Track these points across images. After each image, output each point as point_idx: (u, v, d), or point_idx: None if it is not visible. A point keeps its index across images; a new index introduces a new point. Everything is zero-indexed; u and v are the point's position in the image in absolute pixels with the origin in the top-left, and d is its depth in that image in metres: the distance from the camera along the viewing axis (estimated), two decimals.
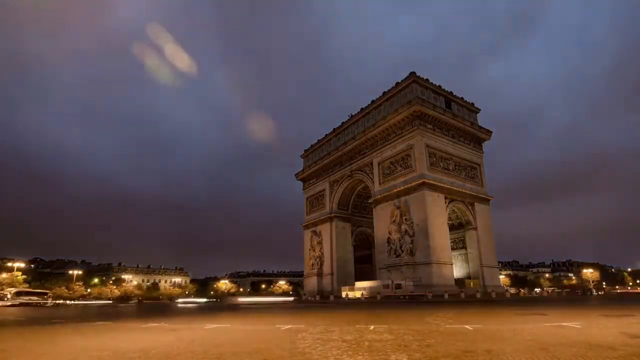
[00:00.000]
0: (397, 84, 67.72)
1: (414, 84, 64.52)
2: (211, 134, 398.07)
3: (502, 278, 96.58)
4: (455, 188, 62.71)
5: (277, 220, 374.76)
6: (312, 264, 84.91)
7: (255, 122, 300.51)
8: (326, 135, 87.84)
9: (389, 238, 62.73)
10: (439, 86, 67.84)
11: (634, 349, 7.49)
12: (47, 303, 55.95)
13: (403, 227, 60.27)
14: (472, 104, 73.35)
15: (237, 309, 37.24)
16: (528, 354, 7.06)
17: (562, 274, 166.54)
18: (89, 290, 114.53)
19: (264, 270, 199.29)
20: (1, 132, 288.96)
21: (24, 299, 53.82)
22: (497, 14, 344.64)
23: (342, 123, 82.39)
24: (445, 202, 61.06)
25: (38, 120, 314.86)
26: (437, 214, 58.88)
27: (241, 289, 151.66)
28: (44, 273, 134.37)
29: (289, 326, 13.87)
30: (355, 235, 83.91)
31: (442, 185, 60.93)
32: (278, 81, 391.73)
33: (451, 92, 69.54)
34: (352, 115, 79.50)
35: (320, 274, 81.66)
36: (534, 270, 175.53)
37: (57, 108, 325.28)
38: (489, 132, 71.70)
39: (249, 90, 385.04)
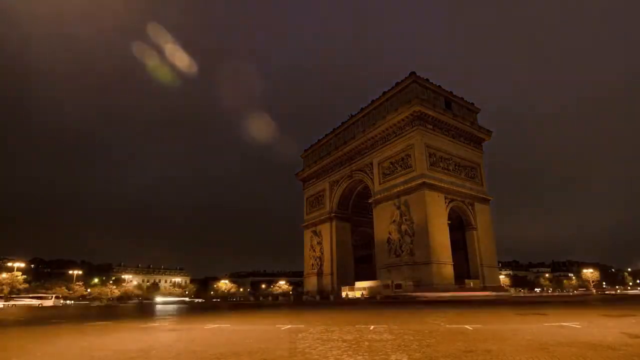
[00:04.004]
0: (397, 83, 67.68)
1: (414, 84, 64.50)
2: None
3: (502, 278, 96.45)
4: (455, 188, 62.68)
5: (278, 219, 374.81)
6: (312, 264, 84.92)
7: (257, 122, 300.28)
8: (326, 135, 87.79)
9: (389, 238, 62.72)
10: (439, 86, 67.81)
11: (634, 349, 7.50)
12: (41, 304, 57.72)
13: (403, 227, 60.26)
14: (472, 103, 73.33)
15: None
16: (528, 354, 7.06)
17: (562, 273, 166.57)
18: (88, 290, 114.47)
19: (264, 270, 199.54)
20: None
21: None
22: None
23: (342, 123, 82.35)
24: (445, 202, 61.04)
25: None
26: (437, 214, 58.86)
27: (241, 289, 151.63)
28: (44, 273, 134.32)
29: (289, 326, 13.87)
30: (355, 235, 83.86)
31: (442, 185, 60.91)
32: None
33: (451, 92, 69.52)
34: (352, 115, 79.47)
35: (320, 274, 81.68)
36: (534, 270, 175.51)
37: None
38: (489, 132, 71.69)
39: (254, 91, 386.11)
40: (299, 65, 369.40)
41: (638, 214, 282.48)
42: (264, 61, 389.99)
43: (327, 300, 61.78)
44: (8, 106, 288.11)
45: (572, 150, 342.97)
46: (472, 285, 59.59)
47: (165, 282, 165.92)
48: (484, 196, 67.52)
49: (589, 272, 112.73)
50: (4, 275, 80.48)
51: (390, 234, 62.49)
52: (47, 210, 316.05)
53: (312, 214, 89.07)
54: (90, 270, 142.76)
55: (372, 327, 12.78)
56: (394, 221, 61.88)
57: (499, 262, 77.05)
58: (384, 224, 64.25)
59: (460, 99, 71.11)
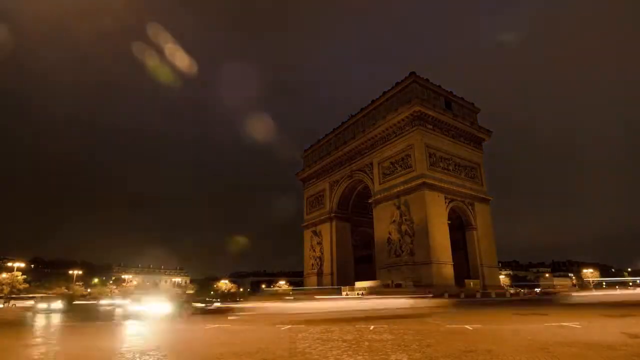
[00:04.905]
0: (397, 83, 67.56)
1: (414, 84, 64.39)
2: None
3: (502, 278, 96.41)
4: (455, 188, 62.62)
5: (278, 219, 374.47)
6: (312, 264, 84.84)
7: (259, 122, 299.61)
8: (326, 135, 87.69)
9: (389, 238, 62.66)
10: (439, 86, 67.70)
11: (634, 349, 7.50)
12: None
13: (403, 227, 60.20)
14: (472, 103, 73.22)
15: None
16: (528, 354, 7.07)
17: (562, 273, 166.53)
18: (89, 290, 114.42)
19: (264, 270, 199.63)
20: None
21: None
22: None
23: (343, 123, 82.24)
24: (445, 202, 60.97)
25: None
26: (437, 214, 58.80)
27: (241, 289, 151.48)
28: (44, 273, 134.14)
29: (289, 326, 13.87)
30: (355, 235, 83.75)
31: (442, 185, 60.85)
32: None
33: (451, 92, 69.39)
34: (352, 115, 79.38)
35: (320, 274, 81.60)
36: (534, 270, 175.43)
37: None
38: (489, 132, 71.60)
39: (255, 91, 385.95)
40: (298, 65, 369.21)
41: (638, 214, 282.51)
42: (264, 61, 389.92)
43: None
44: (8, 106, 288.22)
45: (572, 149, 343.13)
46: (472, 285, 59.55)
47: (165, 282, 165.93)
48: (484, 196, 67.45)
49: (589, 272, 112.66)
50: (4, 275, 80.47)
51: (390, 234, 62.42)
52: (47, 210, 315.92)
53: (312, 214, 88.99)
54: (90, 270, 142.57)
55: (372, 327, 12.79)
56: (394, 221, 61.82)
57: (499, 262, 76.94)
58: (384, 224, 64.20)
59: (460, 98, 71.03)
